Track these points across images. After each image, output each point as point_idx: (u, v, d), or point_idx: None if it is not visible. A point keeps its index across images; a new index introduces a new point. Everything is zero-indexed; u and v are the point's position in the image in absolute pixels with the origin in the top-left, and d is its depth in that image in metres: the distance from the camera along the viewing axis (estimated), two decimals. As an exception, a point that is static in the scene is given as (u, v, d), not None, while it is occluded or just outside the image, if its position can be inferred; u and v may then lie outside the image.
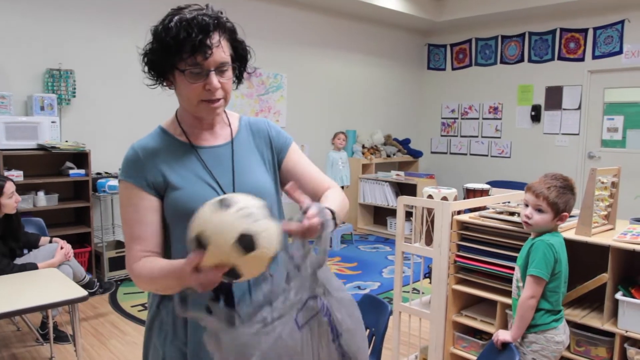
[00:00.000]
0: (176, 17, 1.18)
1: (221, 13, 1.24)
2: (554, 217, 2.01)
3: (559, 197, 1.98)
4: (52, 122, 4.32)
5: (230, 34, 1.26)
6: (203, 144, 1.32)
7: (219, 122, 1.36)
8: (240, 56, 1.30)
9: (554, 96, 6.87)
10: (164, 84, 1.28)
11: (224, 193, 1.26)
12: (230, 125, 1.38)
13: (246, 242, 1.01)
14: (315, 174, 1.43)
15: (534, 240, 2.05)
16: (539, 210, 2.01)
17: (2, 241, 3.15)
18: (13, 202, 3.18)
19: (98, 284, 3.85)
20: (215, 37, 1.19)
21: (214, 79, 1.20)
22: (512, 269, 2.34)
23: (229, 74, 1.25)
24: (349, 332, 1.14)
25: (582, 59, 6.59)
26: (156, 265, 1.20)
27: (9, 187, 3.16)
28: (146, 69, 1.26)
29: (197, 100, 1.23)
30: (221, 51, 1.21)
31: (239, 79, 1.34)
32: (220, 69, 1.21)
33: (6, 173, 4.03)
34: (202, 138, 1.33)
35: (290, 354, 1.11)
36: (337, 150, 6.25)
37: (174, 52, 1.18)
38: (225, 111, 1.38)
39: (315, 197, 1.39)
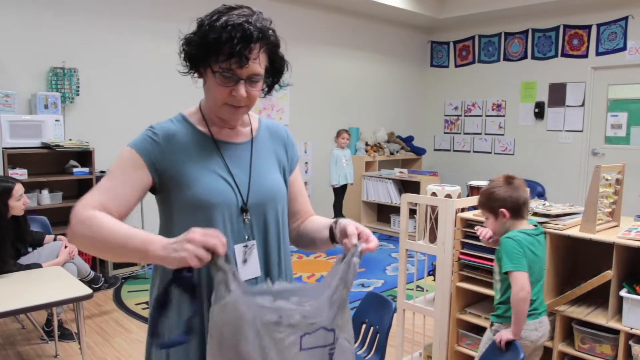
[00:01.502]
0: (224, 18, 1.17)
1: (270, 23, 1.24)
2: (495, 217, 2.08)
3: (486, 199, 2.10)
4: (56, 120, 4.33)
5: (272, 47, 1.25)
6: (224, 139, 1.32)
7: (241, 122, 1.36)
8: (275, 70, 1.30)
9: (557, 93, 6.85)
10: (195, 74, 1.27)
11: (239, 191, 1.27)
12: (250, 124, 1.39)
13: None
14: (305, 197, 1.49)
15: None
16: (487, 219, 2.13)
17: (9, 242, 3.16)
18: (21, 204, 3.19)
19: (103, 279, 3.87)
20: (255, 50, 1.18)
21: (242, 89, 1.20)
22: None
23: (259, 85, 1.25)
24: None
25: (585, 56, 6.56)
26: (120, 225, 1.12)
27: (18, 189, 3.17)
28: (182, 56, 1.25)
29: (221, 102, 1.23)
30: (257, 64, 1.20)
31: (269, 89, 1.33)
32: (251, 79, 1.21)
33: (10, 171, 4.04)
34: (224, 133, 1.32)
35: None
36: (341, 148, 6.24)
37: (212, 51, 1.17)
38: None
39: (297, 217, 1.45)
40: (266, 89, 1.32)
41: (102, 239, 1.11)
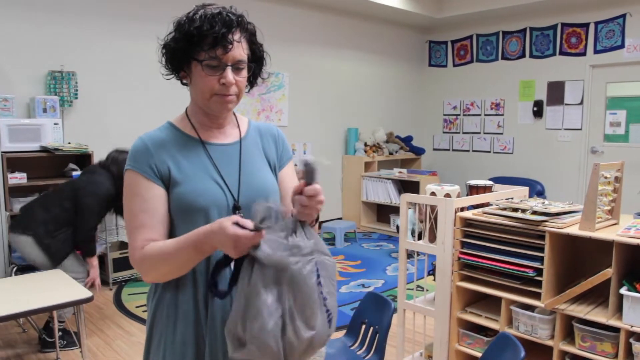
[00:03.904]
0: (201, 11, 1.23)
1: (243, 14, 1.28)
2: None
3: None
4: (55, 124, 4.33)
5: (250, 35, 1.29)
6: (212, 140, 1.33)
7: (229, 122, 1.38)
8: (257, 58, 1.33)
9: (556, 91, 6.85)
10: (179, 75, 1.30)
11: (230, 191, 1.28)
12: (239, 126, 1.40)
13: None
14: None
15: None
16: None
17: None
18: None
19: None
20: (237, 34, 1.24)
21: (230, 74, 1.23)
22: (517, 265, 2.35)
23: (244, 73, 1.27)
24: (330, 295, 1.20)
25: (583, 54, 6.57)
26: (167, 242, 1.19)
27: None
28: (163, 59, 1.28)
29: (210, 94, 1.24)
30: (240, 49, 1.24)
31: (252, 82, 1.35)
32: (236, 66, 1.24)
33: (10, 175, 4.04)
34: (212, 135, 1.34)
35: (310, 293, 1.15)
36: None
37: (195, 42, 1.21)
38: (234, 113, 1.40)
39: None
40: (251, 79, 1.34)
41: (166, 263, 1.18)
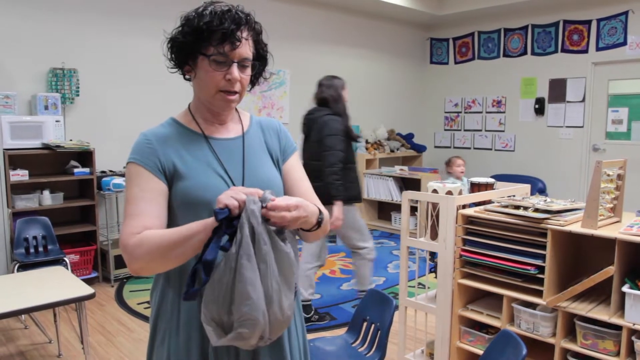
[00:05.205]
0: (210, 7, 1.25)
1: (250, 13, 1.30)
2: None
3: None
4: (56, 121, 4.34)
5: (257, 34, 1.31)
6: (215, 135, 1.35)
7: (232, 118, 1.39)
8: (260, 57, 1.34)
9: (557, 89, 6.84)
10: (183, 70, 1.31)
11: (234, 185, 1.29)
12: (241, 122, 1.42)
13: None
14: (305, 186, 1.42)
15: None
16: None
17: None
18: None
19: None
20: (245, 32, 1.26)
21: (236, 70, 1.24)
22: (518, 262, 2.35)
23: (249, 71, 1.29)
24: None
25: (585, 51, 6.55)
26: (168, 231, 1.16)
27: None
28: (169, 52, 1.30)
29: (215, 90, 1.26)
30: (247, 46, 1.26)
31: (254, 82, 1.36)
32: (242, 64, 1.26)
33: (11, 172, 4.05)
34: (215, 130, 1.35)
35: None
36: (457, 179, 5.51)
37: (204, 37, 1.22)
38: (237, 109, 1.42)
39: None
40: (253, 78, 1.35)
41: (164, 246, 1.13)
